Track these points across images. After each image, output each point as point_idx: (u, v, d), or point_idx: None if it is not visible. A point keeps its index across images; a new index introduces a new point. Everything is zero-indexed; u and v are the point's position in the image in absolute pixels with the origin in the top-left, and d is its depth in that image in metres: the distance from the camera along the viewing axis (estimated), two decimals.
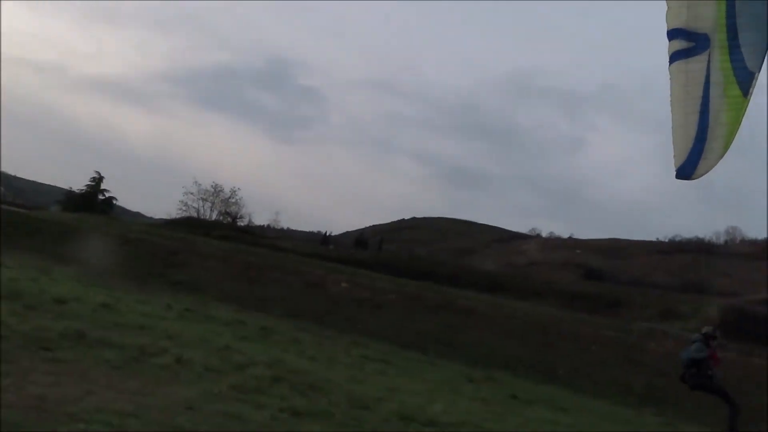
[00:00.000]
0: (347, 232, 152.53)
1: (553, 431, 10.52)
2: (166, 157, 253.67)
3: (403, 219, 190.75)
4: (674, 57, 5.87)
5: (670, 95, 5.91)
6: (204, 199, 66.32)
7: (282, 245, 56.65)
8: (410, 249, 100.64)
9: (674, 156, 5.90)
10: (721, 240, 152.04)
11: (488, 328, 25.04)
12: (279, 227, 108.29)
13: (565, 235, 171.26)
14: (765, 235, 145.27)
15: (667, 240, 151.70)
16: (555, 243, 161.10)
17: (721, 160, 6.06)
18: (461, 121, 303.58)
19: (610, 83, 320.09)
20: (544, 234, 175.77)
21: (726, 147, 5.83)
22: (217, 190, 66.68)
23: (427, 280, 38.73)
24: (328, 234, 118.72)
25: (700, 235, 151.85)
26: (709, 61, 5.73)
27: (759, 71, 5.54)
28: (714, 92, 5.67)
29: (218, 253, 30.96)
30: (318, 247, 72.32)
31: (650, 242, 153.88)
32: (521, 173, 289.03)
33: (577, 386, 20.32)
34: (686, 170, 5.88)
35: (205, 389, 7.04)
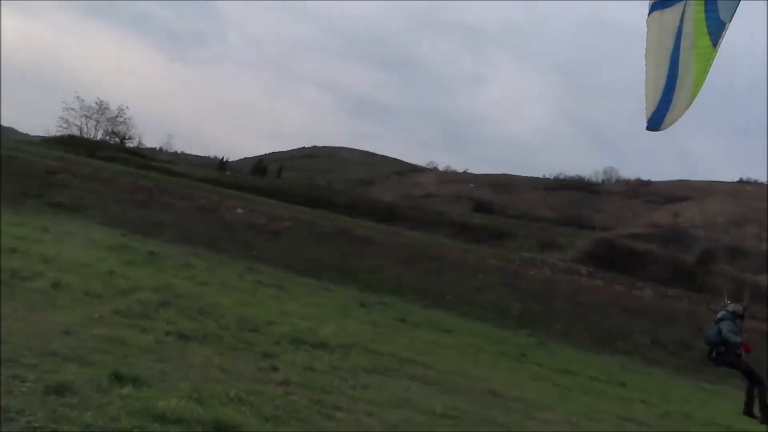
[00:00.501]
0: (245, 158, 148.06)
1: (435, 349, 11.18)
2: (43, 68, 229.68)
3: (304, 147, 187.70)
4: (653, 8, 5.92)
5: (645, 47, 5.94)
6: (88, 117, 61.04)
7: (175, 169, 54.01)
8: (309, 177, 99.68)
9: (645, 107, 5.98)
10: (600, 179, 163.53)
11: (382, 256, 25.70)
12: (172, 150, 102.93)
13: (461, 169, 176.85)
14: (637, 176, 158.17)
15: (552, 177, 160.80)
16: (451, 176, 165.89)
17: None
18: (366, 51, 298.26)
19: (513, 22, 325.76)
20: (441, 167, 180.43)
21: (693, 97, 5.99)
22: (102, 108, 61.41)
23: (324, 209, 38.79)
24: (225, 159, 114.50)
25: (582, 174, 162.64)
26: (683, 12, 5.81)
27: (729, 22, 5.65)
28: (685, 43, 5.75)
29: (103, 175, 29.01)
30: (214, 172, 69.72)
31: (537, 179, 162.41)
32: (422, 107, 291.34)
33: (462, 310, 21.60)
34: (655, 121, 5.99)
35: (84, 314, 6.75)
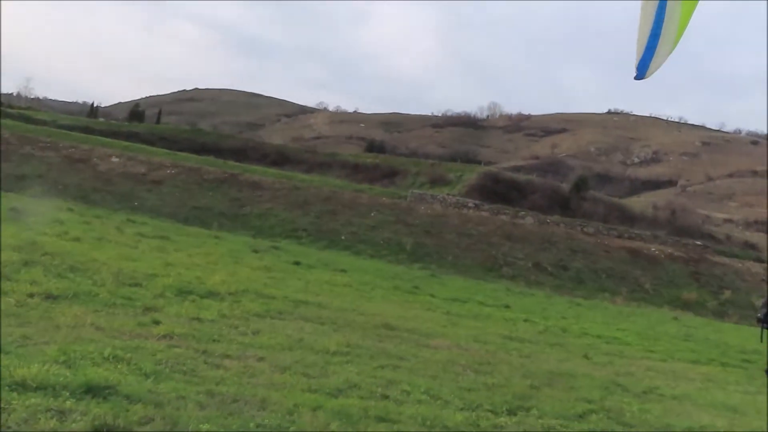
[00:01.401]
0: (120, 103, 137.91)
1: (330, 289, 11.23)
2: None
3: (185, 90, 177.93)
4: None
5: None
6: None
7: (36, 117, 49.06)
8: (192, 122, 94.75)
9: (636, 54, 5.54)
10: (485, 114, 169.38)
11: (274, 201, 25.23)
12: (32, 96, 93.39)
13: (351, 110, 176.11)
14: (518, 111, 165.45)
15: (440, 114, 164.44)
16: (341, 117, 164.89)
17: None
18: None
19: None
20: (331, 108, 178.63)
21: (674, 44, 5.60)
22: None
23: (211, 155, 37.20)
24: (96, 105, 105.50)
25: (468, 111, 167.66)
26: None
27: None
28: None
29: None
30: (83, 119, 64.12)
31: (426, 116, 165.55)
32: (307, 44, 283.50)
33: (357, 249, 21.87)
34: (641, 70, 5.58)
35: None
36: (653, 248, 26.09)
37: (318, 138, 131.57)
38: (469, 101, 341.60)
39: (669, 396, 6.93)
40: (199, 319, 6.53)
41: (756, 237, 73.38)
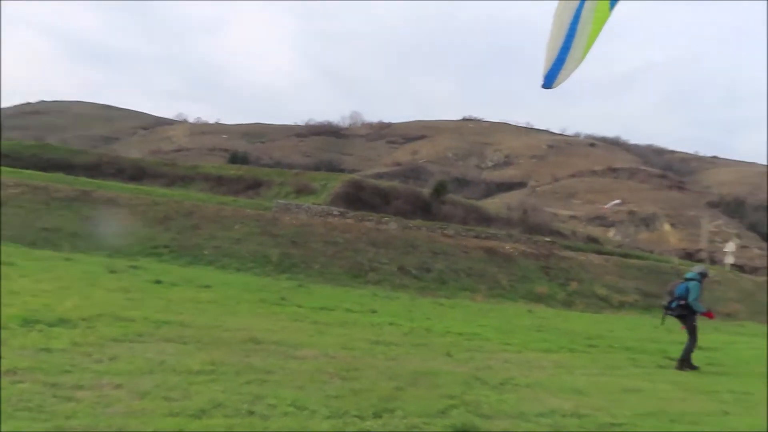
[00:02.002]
0: None
1: (193, 307, 10.80)
2: None
3: (29, 103, 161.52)
4: None
5: (555, 8, 6.09)
6: None
7: None
8: (39, 137, 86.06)
9: (543, 66, 6.15)
10: (347, 123, 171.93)
11: (132, 218, 23.69)
12: None
13: (212, 121, 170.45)
14: (379, 119, 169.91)
15: (303, 124, 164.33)
16: (202, 128, 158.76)
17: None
18: None
19: None
20: (191, 119, 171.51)
21: (584, 55, 6.23)
22: None
23: (60, 171, 34.08)
24: None
25: (330, 120, 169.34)
26: None
27: None
28: (588, 5, 5.97)
29: None
30: None
31: (289, 126, 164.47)
32: (164, 53, 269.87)
33: (222, 263, 21.18)
34: (549, 80, 6.21)
35: None
36: (508, 246, 28.02)
37: (178, 150, 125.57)
38: (332, 110, 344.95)
39: (523, 385, 7.49)
40: (47, 350, 6.02)
41: (597, 231, 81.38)
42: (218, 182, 46.91)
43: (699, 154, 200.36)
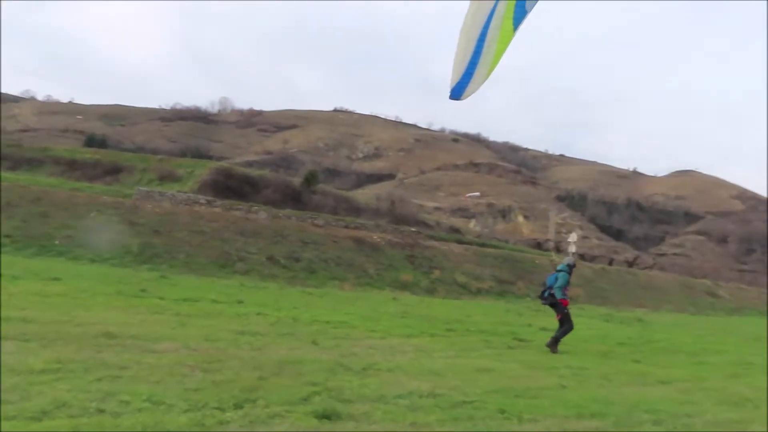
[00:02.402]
0: None
1: (39, 301, 9.93)
2: None
3: None
4: None
5: (462, 23, 6.28)
6: None
7: None
8: None
9: (451, 77, 6.42)
10: (216, 109, 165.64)
11: None
12: None
13: (65, 99, 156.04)
14: (250, 107, 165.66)
15: (169, 108, 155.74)
16: (53, 107, 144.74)
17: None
18: None
19: None
20: (39, 97, 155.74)
21: (490, 72, 6.55)
22: None
23: None
24: None
25: (198, 104, 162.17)
26: None
27: (530, 11, 6.32)
28: (494, 23, 6.21)
29: None
30: None
31: (153, 109, 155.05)
32: (7, 23, 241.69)
33: (75, 254, 19.64)
34: (458, 91, 6.50)
35: None
36: (376, 236, 28.71)
37: (25, 131, 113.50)
38: (200, 95, 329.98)
39: (385, 369, 7.76)
40: None
41: (459, 222, 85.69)
42: (71, 166, 43.12)
43: (549, 152, 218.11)
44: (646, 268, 53.05)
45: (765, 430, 6.74)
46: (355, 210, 41.25)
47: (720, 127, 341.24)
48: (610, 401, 7.29)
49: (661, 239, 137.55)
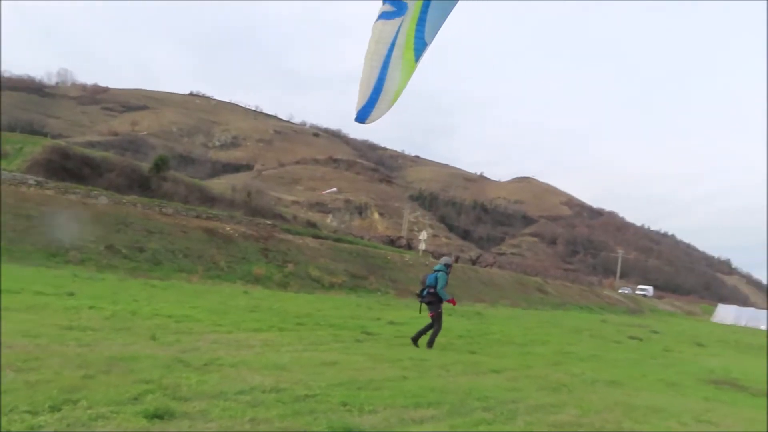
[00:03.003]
0: None
1: None
2: None
3: None
4: (380, 17, 6.60)
5: (367, 49, 6.61)
6: None
7: None
8: None
9: (357, 101, 6.77)
10: (53, 81, 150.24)
11: None
12: None
13: None
14: (94, 82, 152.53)
15: None
16: None
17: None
18: None
19: None
20: None
21: (394, 100, 6.84)
22: None
23: None
24: None
25: (32, 74, 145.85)
26: (400, 26, 6.60)
27: (430, 43, 6.67)
28: (396, 53, 6.57)
29: None
30: None
31: None
32: None
33: None
34: (362, 115, 6.83)
35: None
36: (229, 228, 27.74)
37: None
38: (34, 64, 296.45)
39: (228, 364, 7.52)
40: None
41: (317, 216, 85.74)
42: None
43: (405, 153, 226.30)
44: (487, 266, 56.91)
45: (578, 412, 7.52)
46: (209, 200, 39.55)
47: (555, 139, 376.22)
48: (446, 390, 7.69)
49: (502, 239, 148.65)
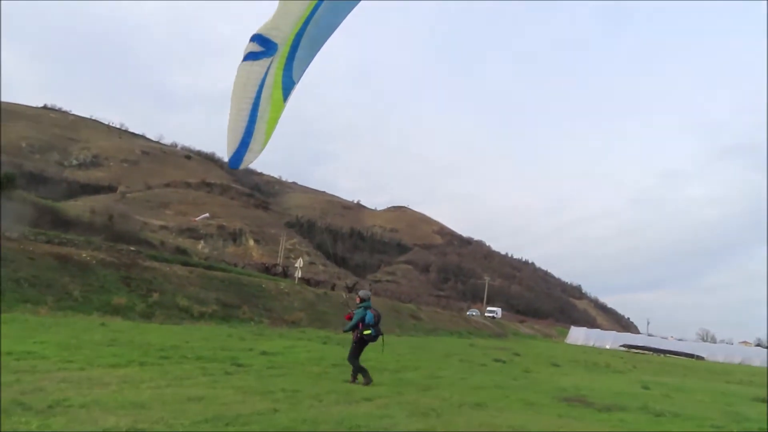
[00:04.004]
0: None
1: None
2: None
3: None
4: (246, 57, 6.51)
5: (232, 90, 6.51)
6: None
7: None
8: None
9: (227, 146, 6.69)
10: None
11: None
12: None
13: None
14: None
15: None
16: None
17: None
18: None
19: None
20: None
21: (266, 141, 6.84)
22: None
23: None
24: None
25: None
26: (269, 67, 6.56)
27: (298, 82, 6.68)
28: (265, 93, 6.54)
29: None
30: None
31: None
32: None
33: None
34: (235, 162, 6.81)
35: None
36: (85, 254, 25.58)
37: None
38: None
39: (78, 405, 6.87)
40: None
41: (187, 242, 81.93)
42: None
43: (282, 179, 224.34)
44: None
45: None
46: (64, 223, 36.35)
47: (428, 169, 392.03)
48: (318, 421, 7.55)
49: (378, 267, 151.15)
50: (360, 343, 12.18)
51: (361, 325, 11.99)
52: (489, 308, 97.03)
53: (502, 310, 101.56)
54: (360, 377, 11.93)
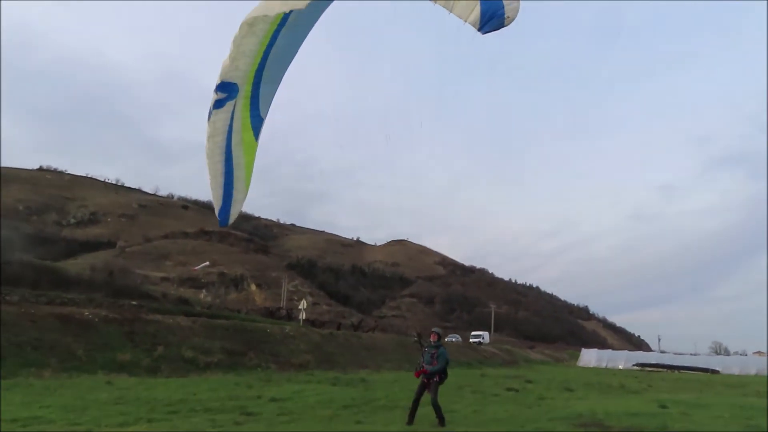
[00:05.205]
0: None
1: None
2: None
3: None
4: (213, 107, 6.32)
5: (205, 146, 6.34)
6: None
7: None
8: None
9: (214, 204, 6.59)
10: None
11: None
12: None
13: None
14: None
15: None
16: None
17: None
18: None
19: None
20: None
21: (247, 185, 6.70)
22: None
23: None
24: None
25: None
26: (233, 110, 6.35)
27: (265, 117, 6.48)
28: (235, 139, 6.32)
29: None
30: None
31: None
32: None
33: None
34: (224, 219, 6.75)
35: None
36: (87, 312, 25.39)
37: None
38: None
39: None
40: None
41: (189, 292, 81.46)
42: None
43: (280, 221, 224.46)
44: (369, 330, 56.88)
45: None
46: (64, 283, 36.15)
47: (424, 201, 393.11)
48: None
49: (382, 302, 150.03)
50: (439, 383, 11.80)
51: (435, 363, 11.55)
52: (474, 333, 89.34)
53: (473, 332, 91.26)
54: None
